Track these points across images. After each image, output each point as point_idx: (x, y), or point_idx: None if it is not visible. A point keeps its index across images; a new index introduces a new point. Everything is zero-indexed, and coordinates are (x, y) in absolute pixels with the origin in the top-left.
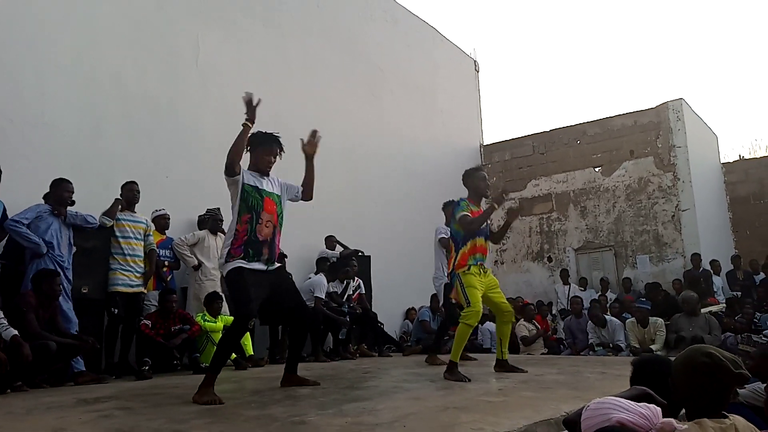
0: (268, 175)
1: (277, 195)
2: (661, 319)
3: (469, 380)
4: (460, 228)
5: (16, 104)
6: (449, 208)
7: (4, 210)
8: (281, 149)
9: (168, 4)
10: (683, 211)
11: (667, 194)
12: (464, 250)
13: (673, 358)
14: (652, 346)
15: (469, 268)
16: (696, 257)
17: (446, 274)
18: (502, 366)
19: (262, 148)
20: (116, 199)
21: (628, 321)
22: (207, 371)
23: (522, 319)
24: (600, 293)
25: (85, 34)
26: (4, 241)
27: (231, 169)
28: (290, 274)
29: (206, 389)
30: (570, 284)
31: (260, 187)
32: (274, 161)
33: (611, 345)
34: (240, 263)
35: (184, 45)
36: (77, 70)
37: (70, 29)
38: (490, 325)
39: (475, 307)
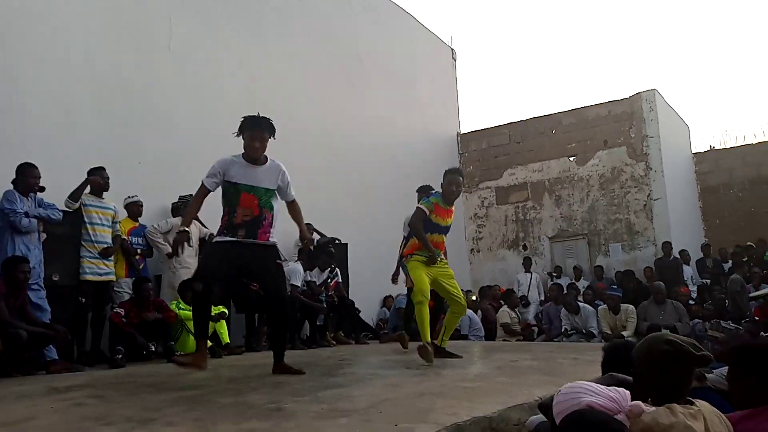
0: (261, 162)
1: (262, 189)
2: (632, 306)
3: (430, 362)
4: (419, 217)
5: None
6: (422, 193)
7: None
8: (270, 132)
9: None
10: (655, 200)
11: (639, 183)
12: (414, 240)
13: None
14: (623, 333)
15: (412, 256)
16: (667, 245)
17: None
18: (438, 352)
19: (247, 133)
20: (83, 181)
21: (600, 308)
22: (196, 337)
23: (505, 306)
24: (572, 281)
25: (56, 18)
26: None
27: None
28: (284, 260)
29: (195, 354)
30: (532, 273)
31: (239, 183)
32: (260, 146)
33: (584, 331)
34: (221, 237)
35: (157, 28)
36: (47, 55)
37: (39, 13)
38: (470, 313)
39: (418, 286)
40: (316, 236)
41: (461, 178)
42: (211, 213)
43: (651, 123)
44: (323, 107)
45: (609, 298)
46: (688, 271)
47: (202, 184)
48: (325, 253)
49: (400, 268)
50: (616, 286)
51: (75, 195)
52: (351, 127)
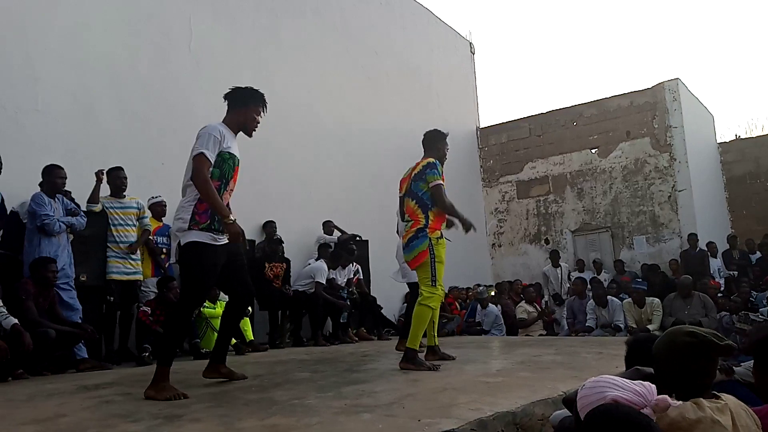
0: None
1: (238, 160)
2: (657, 300)
3: (437, 369)
4: (429, 191)
5: (8, 90)
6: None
7: (2, 200)
8: (266, 108)
9: None
10: (680, 191)
11: (663, 175)
12: (436, 210)
13: None
14: (649, 326)
15: (441, 237)
16: (693, 237)
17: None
18: (432, 354)
19: (254, 105)
20: (96, 183)
21: (624, 301)
22: (158, 363)
23: (523, 301)
24: (594, 274)
25: (76, 18)
26: (1, 231)
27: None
28: (256, 253)
29: (162, 383)
30: (560, 266)
31: (235, 156)
32: (258, 122)
33: (612, 326)
34: (205, 238)
35: (176, 27)
36: (68, 55)
37: (60, 13)
38: (493, 308)
39: (440, 290)
40: (337, 233)
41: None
42: None
43: (674, 113)
44: (341, 103)
45: (634, 292)
46: (715, 264)
47: (204, 156)
48: (346, 250)
49: (415, 243)
50: (640, 279)
51: (93, 197)
52: (369, 122)
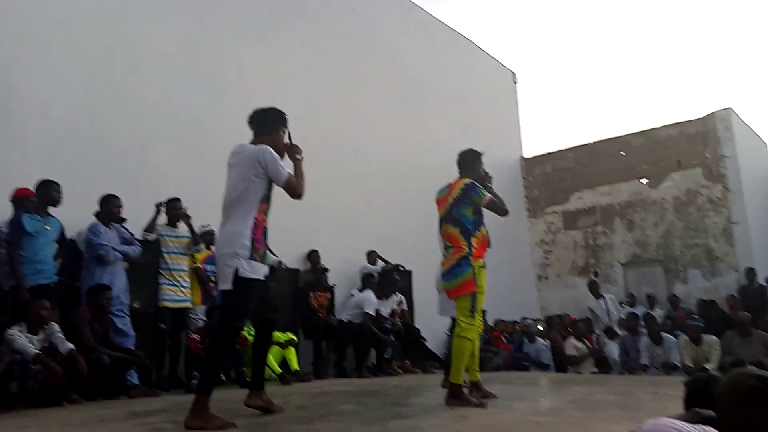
0: None
1: None
2: (715, 337)
3: (484, 406)
4: (472, 215)
5: (69, 122)
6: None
7: (62, 228)
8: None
9: (212, 23)
10: (735, 223)
11: (717, 206)
12: (479, 236)
13: None
14: (706, 365)
15: (483, 265)
16: (750, 272)
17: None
18: (476, 389)
19: (283, 126)
20: (155, 213)
21: (680, 339)
22: (198, 391)
23: (572, 337)
24: (647, 310)
25: (135, 55)
26: (60, 259)
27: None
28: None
29: (206, 413)
30: (603, 297)
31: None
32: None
33: (669, 364)
34: (260, 273)
35: (228, 63)
36: (126, 88)
37: (119, 49)
38: (542, 342)
39: (478, 321)
40: (380, 264)
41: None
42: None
43: (727, 143)
44: (385, 134)
45: (690, 329)
46: None
47: (291, 174)
48: (389, 280)
49: (458, 270)
50: (696, 316)
51: (150, 227)
52: (412, 152)
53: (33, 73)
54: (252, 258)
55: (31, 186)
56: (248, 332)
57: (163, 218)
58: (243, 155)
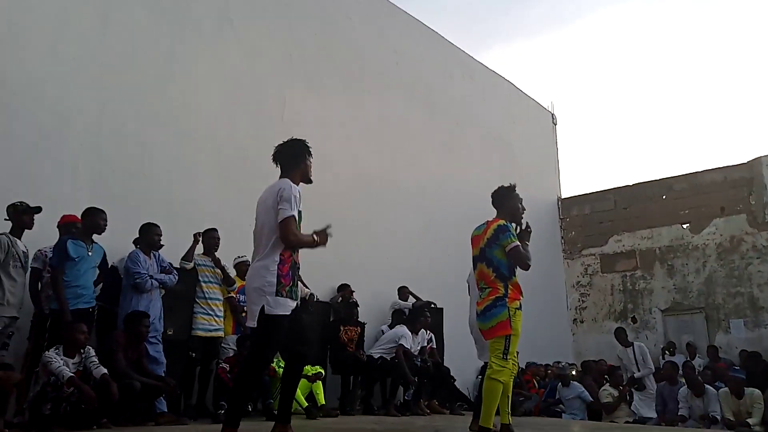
0: None
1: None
2: (758, 391)
3: None
4: (504, 257)
5: (119, 155)
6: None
7: (105, 255)
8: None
9: (258, 64)
10: None
11: (762, 254)
12: (514, 281)
13: None
14: (749, 420)
15: (519, 308)
16: None
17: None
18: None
19: (308, 155)
20: (194, 242)
21: (721, 391)
22: (224, 425)
23: (607, 384)
24: (687, 359)
25: (184, 90)
26: (101, 284)
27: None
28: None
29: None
30: (632, 344)
31: (301, 211)
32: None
33: (709, 416)
34: (288, 309)
35: (272, 102)
36: (175, 124)
37: (170, 87)
38: (577, 386)
39: (512, 362)
40: (411, 300)
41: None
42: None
43: None
44: (421, 171)
45: (731, 380)
46: None
47: (294, 219)
48: (420, 316)
49: (493, 311)
50: (738, 367)
51: (188, 255)
52: (449, 191)
53: (86, 106)
54: (278, 294)
55: (79, 214)
56: (277, 364)
57: (200, 247)
58: (269, 191)
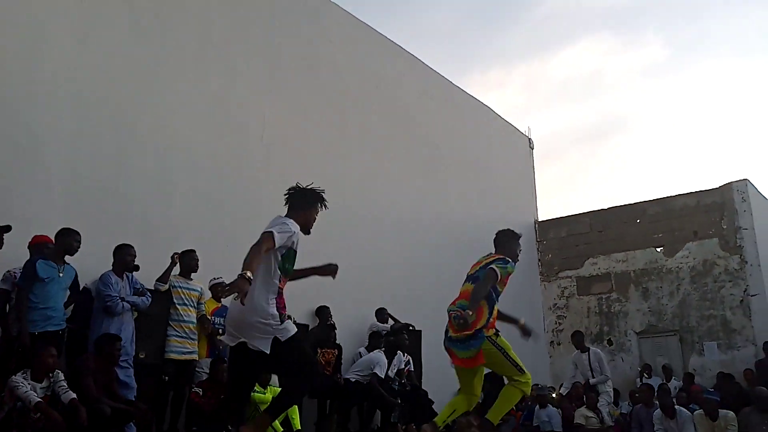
0: None
1: None
2: (732, 413)
3: None
4: (503, 273)
5: (94, 174)
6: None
7: (76, 276)
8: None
9: (238, 84)
10: (753, 296)
11: (734, 278)
12: (495, 310)
13: None
14: None
15: (497, 333)
16: None
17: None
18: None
19: (317, 207)
20: (171, 264)
21: (696, 413)
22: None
23: (584, 407)
24: (663, 381)
25: (162, 109)
26: (72, 305)
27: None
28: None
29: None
30: (589, 349)
31: (296, 252)
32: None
33: None
34: (294, 328)
35: (251, 122)
36: (153, 143)
37: (148, 106)
38: (554, 410)
39: (527, 371)
40: (390, 322)
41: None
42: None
43: (744, 214)
44: (399, 194)
45: (706, 403)
46: None
47: (272, 236)
48: (398, 339)
49: (473, 342)
50: (713, 390)
51: (164, 277)
52: (426, 213)
53: (61, 124)
54: (282, 320)
55: (52, 234)
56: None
57: (177, 269)
58: (267, 225)
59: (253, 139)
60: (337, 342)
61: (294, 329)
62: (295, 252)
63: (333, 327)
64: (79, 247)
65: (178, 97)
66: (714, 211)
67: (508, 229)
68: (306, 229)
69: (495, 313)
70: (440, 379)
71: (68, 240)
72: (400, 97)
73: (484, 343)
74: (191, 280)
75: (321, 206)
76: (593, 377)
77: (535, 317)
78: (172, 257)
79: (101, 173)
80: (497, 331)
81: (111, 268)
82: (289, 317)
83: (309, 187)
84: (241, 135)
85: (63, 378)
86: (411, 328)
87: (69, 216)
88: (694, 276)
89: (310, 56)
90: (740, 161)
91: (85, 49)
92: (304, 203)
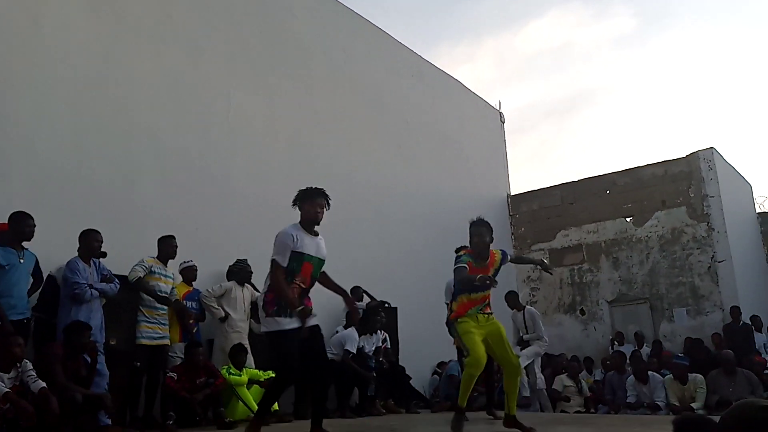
0: (315, 233)
1: (318, 259)
2: (701, 376)
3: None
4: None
5: (55, 158)
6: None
7: (37, 262)
8: (328, 201)
9: (200, 62)
10: (719, 262)
11: (702, 245)
12: (462, 299)
13: (717, 418)
14: (693, 405)
15: (464, 320)
16: (735, 310)
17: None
18: (509, 422)
19: (310, 201)
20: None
21: (666, 378)
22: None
23: (565, 374)
24: (635, 348)
25: (123, 90)
26: (38, 294)
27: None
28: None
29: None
30: (524, 307)
31: (304, 253)
32: (321, 212)
33: (647, 403)
34: (274, 326)
35: (216, 101)
36: (114, 125)
37: (108, 85)
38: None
39: (474, 354)
40: (366, 299)
41: (486, 229)
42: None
43: (711, 182)
44: (372, 171)
45: (675, 367)
46: (761, 339)
47: (278, 264)
48: (374, 317)
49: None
50: (682, 354)
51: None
52: (399, 190)
53: (19, 108)
54: (267, 315)
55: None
56: (227, 371)
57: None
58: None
59: (218, 119)
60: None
61: (277, 326)
62: (300, 254)
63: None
64: (32, 232)
65: (138, 77)
66: (681, 180)
67: (473, 220)
68: (311, 222)
69: (460, 302)
70: (417, 355)
71: (20, 225)
72: (369, 72)
73: (453, 328)
74: (167, 267)
75: (318, 200)
76: (527, 333)
77: (509, 290)
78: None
79: (61, 158)
80: (468, 315)
81: (76, 254)
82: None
83: (306, 188)
84: (206, 114)
85: (31, 367)
86: (387, 305)
87: (30, 203)
88: (663, 244)
89: (275, 31)
90: (706, 130)
91: (39, 30)
92: (300, 201)
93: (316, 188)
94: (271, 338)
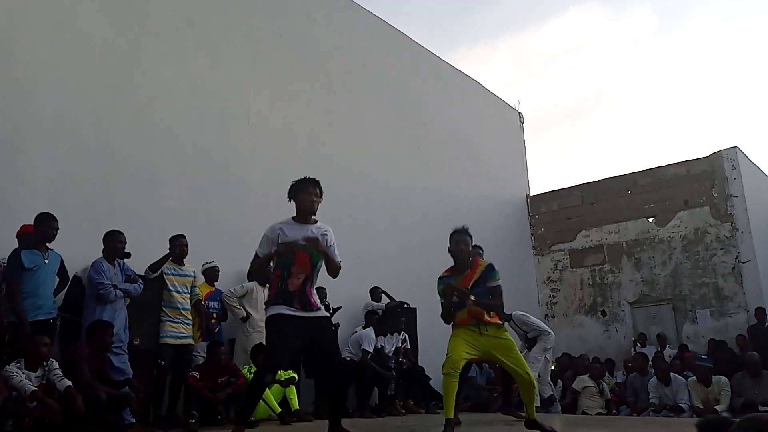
0: (311, 222)
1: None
2: (725, 378)
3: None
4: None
5: (77, 160)
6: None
7: (62, 262)
8: (320, 189)
9: (221, 67)
10: (744, 263)
11: (725, 245)
12: (457, 314)
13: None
14: (717, 407)
15: (457, 331)
16: (760, 311)
17: None
18: (530, 424)
19: (303, 191)
20: (166, 254)
21: (689, 380)
22: (235, 423)
23: (586, 375)
24: (658, 350)
25: (144, 94)
26: (63, 293)
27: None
28: (336, 325)
29: None
30: (511, 315)
31: (296, 242)
32: (316, 200)
33: (669, 405)
34: (279, 309)
35: (237, 104)
36: (136, 129)
37: (130, 89)
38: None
39: (450, 354)
40: (385, 299)
41: (464, 236)
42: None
43: (734, 182)
44: (390, 172)
45: (699, 369)
46: None
47: (256, 254)
48: (393, 317)
49: None
50: (706, 356)
51: (155, 266)
52: (418, 191)
53: (42, 111)
54: (267, 306)
55: None
56: (248, 371)
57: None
58: None
59: (239, 122)
60: (334, 322)
61: (270, 312)
62: (296, 242)
63: (328, 308)
64: (55, 233)
65: (160, 82)
66: (704, 180)
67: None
68: (305, 212)
69: (458, 316)
70: (436, 355)
71: (43, 227)
72: (388, 74)
73: None
74: (183, 266)
75: (306, 189)
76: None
77: (529, 291)
78: (168, 253)
79: (85, 161)
80: (455, 329)
81: (101, 255)
82: (328, 304)
83: (296, 180)
84: (227, 119)
85: (57, 366)
86: (406, 305)
87: (54, 205)
88: (685, 245)
89: (293, 35)
90: (730, 129)
91: (62, 36)
92: (292, 194)
93: (306, 178)
94: (266, 325)
